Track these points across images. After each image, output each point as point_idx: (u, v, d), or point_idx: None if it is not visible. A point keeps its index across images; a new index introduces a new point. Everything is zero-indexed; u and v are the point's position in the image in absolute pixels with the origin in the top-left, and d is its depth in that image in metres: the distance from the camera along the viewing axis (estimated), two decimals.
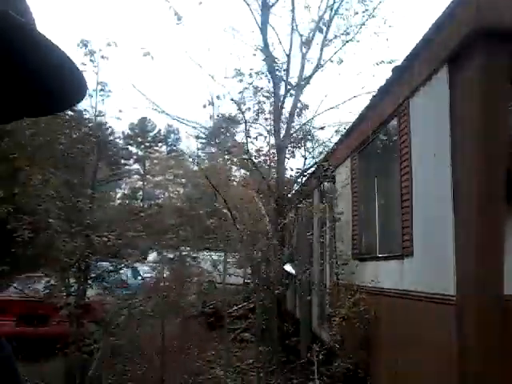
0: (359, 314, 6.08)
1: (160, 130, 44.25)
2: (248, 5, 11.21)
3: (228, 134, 13.75)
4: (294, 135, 12.20)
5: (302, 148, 11.89)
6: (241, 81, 12.74)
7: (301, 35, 12.04)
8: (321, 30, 11.11)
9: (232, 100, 10.54)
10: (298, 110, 12.69)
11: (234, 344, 11.16)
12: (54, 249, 7.77)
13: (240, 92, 12.77)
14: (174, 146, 41.35)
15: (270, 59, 11.28)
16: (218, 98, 10.02)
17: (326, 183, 8.52)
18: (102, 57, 8.38)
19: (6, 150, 7.60)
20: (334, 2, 11.62)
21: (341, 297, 6.80)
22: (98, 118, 9.40)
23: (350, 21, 11.83)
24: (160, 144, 44.12)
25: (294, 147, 12.50)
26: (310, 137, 12.20)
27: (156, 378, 8.31)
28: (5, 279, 9.80)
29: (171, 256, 17.25)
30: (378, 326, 5.83)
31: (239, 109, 11.14)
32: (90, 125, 9.19)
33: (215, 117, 11.93)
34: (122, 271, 9.32)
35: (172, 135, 43.32)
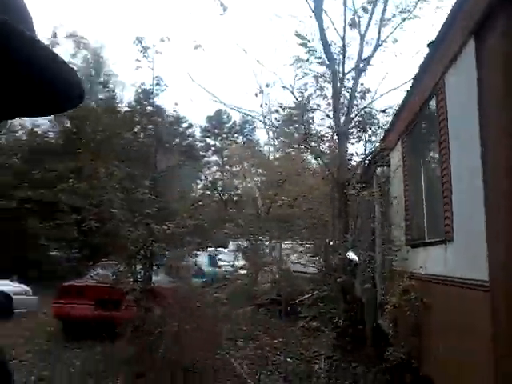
0: (410, 302, 5.95)
1: (235, 121, 45.05)
2: None
3: (298, 123, 13.74)
4: (356, 119, 11.98)
5: (364, 132, 11.67)
6: (300, 67, 12.71)
7: (359, 17, 11.76)
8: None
9: (284, 87, 10.52)
10: (360, 93, 12.44)
11: (303, 332, 11.24)
12: (120, 237, 8.29)
13: (299, 78, 12.75)
14: (250, 135, 41.89)
15: (326, 43, 11.14)
16: (267, 85, 10.04)
17: (381, 168, 8.33)
18: (156, 52, 8.76)
19: (72, 147, 8.24)
20: None
21: (394, 284, 6.69)
22: (176, 113, 9.84)
23: None
24: (236, 135, 44.91)
25: (359, 131, 12.29)
26: (371, 120, 11.93)
27: (222, 363, 8.52)
28: (82, 266, 10.67)
29: (246, 245, 17.69)
30: (428, 313, 5.66)
31: (294, 96, 11.11)
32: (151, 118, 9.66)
33: (265, 104, 11.96)
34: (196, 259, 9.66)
35: (247, 125, 43.89)
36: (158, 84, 9.08)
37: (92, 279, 9.87)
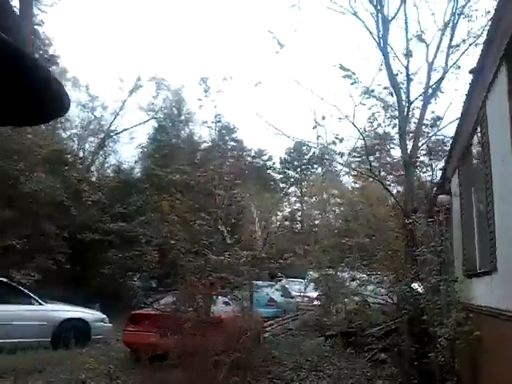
0: (462, 335, 5.62)
1: (314, 153, 44.90)
2: (363, 22, 11.13)
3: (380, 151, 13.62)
4: (424, 147, 11.68)
5: (432, 160, 11.36)
6: (368, 97, 12.64)
7: (427, 44, 11.54)
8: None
9: (341, 118, 10.51)
10: (431, 121, 12.14)
11: (370, 364, 10.83)
12: (179, 267, 8.59)
13: (368, 108, 12.69)
14: (329, 166, 41.53)
15: (391, 73, 11.02)
16: (323, 118, 10.08)
17: (442, 197, 8.03)
18: (218, 91, 9.18)
19: (136, 182, 8.79)
20: (457, 8, 10.83)
21: (448, 315, 6.36)
22: (258, 147, 10.14)
23: (481, 22, 10.91)
24: (316, 165, 44.74)
25: (430, 159, 11.98)
26: (441, 148, 11.58)
27: None
28: (154, 295, 11.12)
29: (317, 276, 17.51)
30: (481, 346, 5.31)
31: (355, 127, 11.07)
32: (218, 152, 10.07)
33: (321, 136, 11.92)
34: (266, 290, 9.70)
35: (326, 156, 43.50)
36: (219, 121, 9.47)
37: (156, 308, 10.20)
